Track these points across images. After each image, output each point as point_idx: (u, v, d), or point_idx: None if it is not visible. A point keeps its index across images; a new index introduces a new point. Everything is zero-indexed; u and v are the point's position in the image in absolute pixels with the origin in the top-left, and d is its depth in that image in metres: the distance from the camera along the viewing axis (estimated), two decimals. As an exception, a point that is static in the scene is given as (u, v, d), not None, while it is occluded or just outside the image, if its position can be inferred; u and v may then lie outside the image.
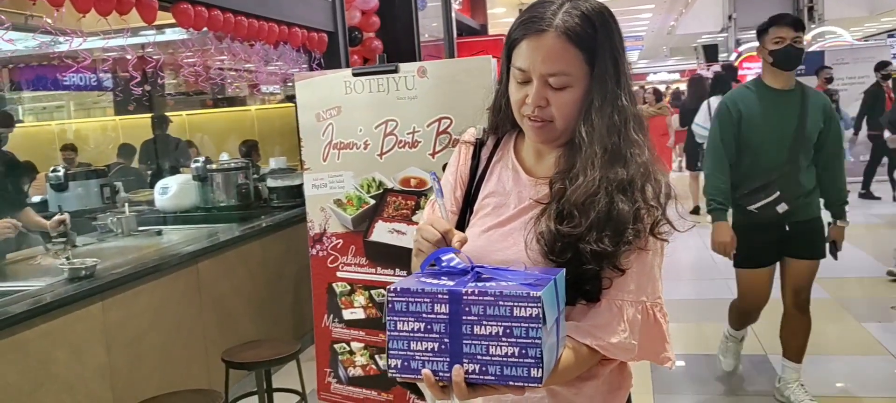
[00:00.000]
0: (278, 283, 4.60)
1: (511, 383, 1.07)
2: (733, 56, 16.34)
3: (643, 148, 1.30)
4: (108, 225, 4.19)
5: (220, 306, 3.98)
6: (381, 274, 2.72)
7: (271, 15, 4.85)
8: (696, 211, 8.72)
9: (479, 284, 1.10)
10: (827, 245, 3.40)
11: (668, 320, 1.34)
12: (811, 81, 10.46)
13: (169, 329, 3.56)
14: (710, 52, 20.05)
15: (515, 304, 1.05)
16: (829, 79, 9.72)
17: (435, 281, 1.12)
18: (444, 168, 2.53)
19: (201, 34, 4.69)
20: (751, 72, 14.57)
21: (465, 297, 1.07)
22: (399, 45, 6.18)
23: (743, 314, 3.76)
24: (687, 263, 6.40)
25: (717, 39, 20.45)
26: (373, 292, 2.76)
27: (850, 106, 10.23)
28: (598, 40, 1.27)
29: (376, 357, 2.78)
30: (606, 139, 1.27)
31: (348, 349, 2.84)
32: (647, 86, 13.41)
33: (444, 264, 1.18)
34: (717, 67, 13.07)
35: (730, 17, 17.11)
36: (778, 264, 3.52)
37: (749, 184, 3.24)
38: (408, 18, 6.47)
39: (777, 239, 3.36)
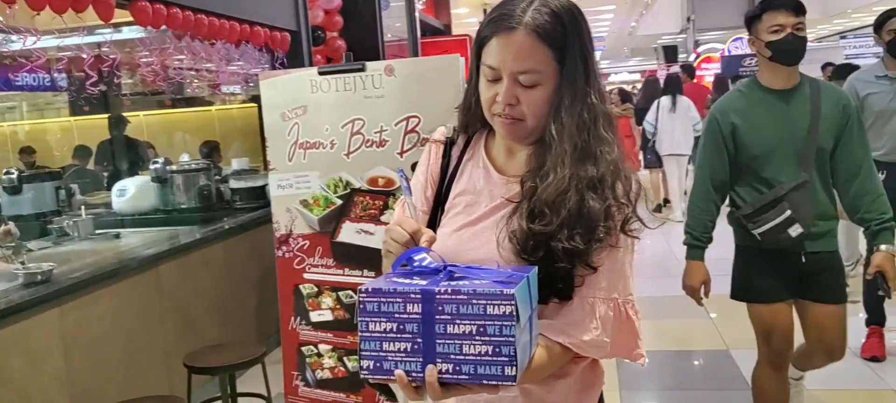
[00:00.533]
0: (241, 286, 4.54)
1: (485, 382, 1.07)
2: (692, 57, 16.63)
3: (613, 145, 1.31)
4: (64, 229, 4.08)
5: (181, 310, 3.91)
6: (348, 276, 2.69)
7: (232, 13, 4.78)
8: (657, 208, 8.85)
9: (452, 283, 1.09)
10: (875, 279, 2.59)
11: (639, 316, 1.35)
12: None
13: (129, 334, 3.49)
14: (670, 53, 20.41)
15: (489, 302, 1.05)
16: (832, 77, 9.65)
17: (407, 281, 1.11)
18: (412, 167, 2.52)
19: (160, 32, 4.60)
20: (708, 72, 14.84)
21: (437, 296, 1.06)
22: (363, 44, 6.14)
23: (774, 361, 2.81)
24: (648, 260, 6.48)
25: (677, 40, 20.81)
26: (341, 293, 2.73)
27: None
28: (567, 38, 1.27)
29: (345, 359, 2.75)
30: (576, 137, 1.27)
31: (316, 351, 2.81)
32: (611, 87, 13.61)
33: (415, 264, 1.17)
34: (676, 68, 13.35)
35: (688, 19, 17.39)
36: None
37: (754, 202, 2.59)
38: (371, 18, 6.44)
39: (791, 273, 2.66)
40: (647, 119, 8.43)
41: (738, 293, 2.80)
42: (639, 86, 21.27)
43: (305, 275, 2.79)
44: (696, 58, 16.18)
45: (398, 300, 1.07)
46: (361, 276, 2.66)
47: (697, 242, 2.74)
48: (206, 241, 4.23)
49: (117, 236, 4.21)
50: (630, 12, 19.41)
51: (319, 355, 2.80)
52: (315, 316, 2.79)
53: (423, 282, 1.09)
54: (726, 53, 13.24)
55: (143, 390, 3.31)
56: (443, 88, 2.40)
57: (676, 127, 8.01)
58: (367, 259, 2.62)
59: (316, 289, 2.78)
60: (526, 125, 1.30)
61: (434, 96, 2.43)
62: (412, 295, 1.07)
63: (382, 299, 1.08)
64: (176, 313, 3.86)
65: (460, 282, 1.09)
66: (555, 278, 1.25)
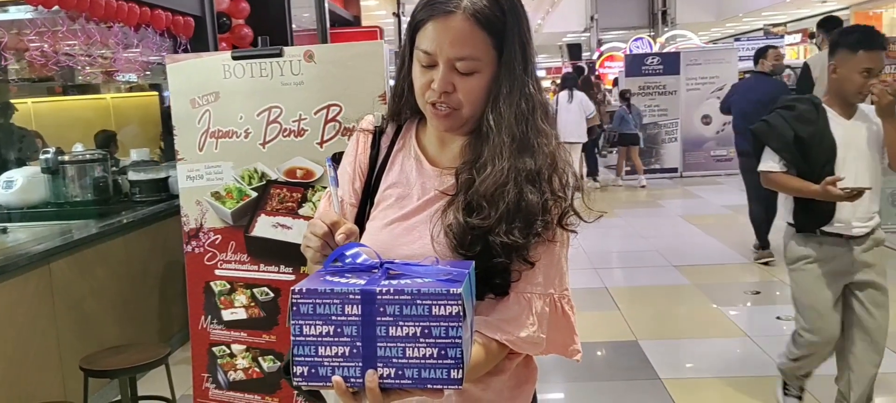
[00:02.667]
0: (143, 283, 4.32)
1: (429, 386, 1.02)
2: (596, 55, 17.14)
3: (550, 137, 1.28)
4: (-58, 223, 3.77)
5: (76, 309, 3.67)
6: (264, 272, 2.56)
7: (132, -6, 4.53)
8: None
9: (393, 282, 1.03)
10: None
11: (575, 312, 1.32)
12: (674, 80, 11.10)
13: (18, 336, 3.24)
14: (574, 51, 20.93)
15: (434, 302, 0.99)
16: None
17: (344, 280, 1.04)
18: (334, 158, 2.44)
19: (51, 13, 4.30)
20: (611, 71, 15.30)
21: (379, 297, 1.00)
22: (270, 33, 5.93)
23: None
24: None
25: (581, 39, 21.38)
26: (255, 290, 2.60)
27: (703, 103, 10.99)
28: (507, 24, 1.23)
29: (260, 359, 2.63)
30: (514, 127, 1.24)
31: (228, 352, 2.67)
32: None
33: (348, 260, 1.10)
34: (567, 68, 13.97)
35: (592, 18, 17.92)
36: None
37: None
38: (280, 6, 6.27)
39: None
40: None
41: None
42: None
43: (217, 272, 2.64)
44: (599, 56, 16.68)
45: (336, 301, 1.00)
46: (278, 273, 2.54)
47: None
48: (103, 236, 4.01)
49: (3, 231, 3.96)
50: (536, 10, 19.79)
51: (232, 355, 2.67)
52: (227, 315, 2.65)
53: (362, 282, 1.03)
54: (628, 52, 13.73)
55: (35, 396, 3.10)
56: (366, 76, 2.31)
57: (570, 118, 9.17)
58: (283, 254, 2.51)
59: (228, 286, 2.64)
60: (461, 114, 1.26)
61: (357, 84, 2.34)
62: (351, 296, 1.00)
63: (318, 300, 1.00)
64: (70, 313, 3.62)
65: (402, 282, 1.03)
66: (491, 273, 1.21)
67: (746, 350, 4.27)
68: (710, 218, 8.17)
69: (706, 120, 11.02)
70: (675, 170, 11.19)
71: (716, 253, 6.58)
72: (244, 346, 2.66)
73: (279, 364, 2.61)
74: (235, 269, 2.61)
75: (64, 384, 3.47)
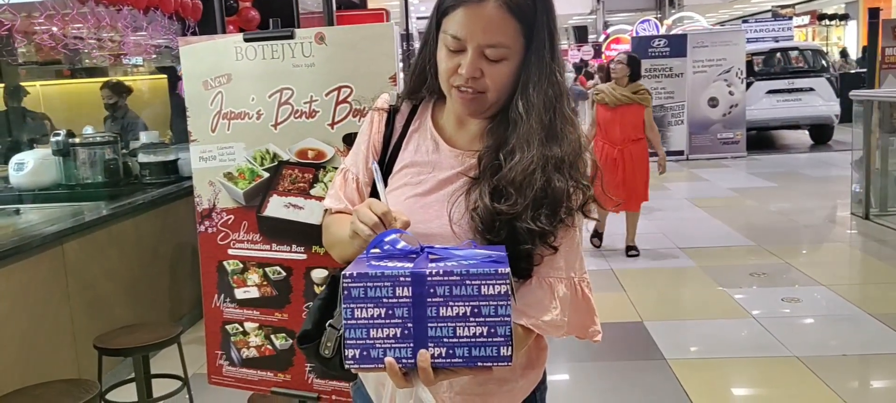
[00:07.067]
0: (154, 264, 4.37)
1: (480, 364, 1.04)
2: (602, 37, 17.06)
3: (575, 124, 1.30)
4: (-44, 205, 3.81)
5: (89, 290, 3.72)
6: (276, 251, 2.59)
7: (141, -23, 4.54)
8: None
9: (441, 264, 1.06)
10: None
11: (593, 293, 1.35)
12: (680, 63, 11.09)
13: (32, 316, 3.29)
14: (581, 34, 20.83)
15: (483, 282, 1.02)
16: None
17: (393, 264, 1.06)
18: (344, 139, 2.46)
19: (61, -4, 4.32)
20: (617, 53, 15.24)
21: (429, 278, 1.03)
22: (277, 15, 5.94)
23: None
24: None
25: (587, 21, 21.27)
26: (268, 269, 2.63)
27: (710, 86, 10.97)
28: (537, 12, 1.25)
29: (272, 336, 2.67)
30: (543, 115, 1.26)
31: (241, 329, 2.71)
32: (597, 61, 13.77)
33: (387, 247, 1.12)
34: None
35: (598, 0, 17.81)
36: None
37: None
38: (286, -12, 6.26)
39: None
40: None
41: None
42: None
43: (230, 251, 2.67)
44: (606, 39, 16.61)
45: (387, 284, 1.03)
46: (290, 252, 2.57)
47: None
48: (115, 218, 4.05)
49: (16, 212, 3.99)
50: (541, -8, 19.65)
51: (245, 333, 2.71)
52: (240, 294, 2.68)
53: (410, 265, 1.06)
54: (635, 34, 13.67)
55: (50, 374, 3.14)
56: (376, 58, 2.33)
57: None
58: (295, 234, 2.53)
59: (241, 266, 2.67)
60: (486, 98, 1.28)
61: (367, 66, 2.36)
62: (402, 278, 1.03)
63: (369, 284, 1.03)
64: (83, 293, 3.67)
65: (449, 263, 1.06)
66: (516, 258, 1.22)
67: (751, 331, 4.31)
68: (715, 200, 8.19)
69: (713, 102, 11.01)
70: (681, 152, 11.18)
71: (721, 235, 6.60)
72: (257, 324, 2.69)
73: (291, 341, 2.65)
74: (248, 249, 2.64)
75: (78, 362, 3.52)
